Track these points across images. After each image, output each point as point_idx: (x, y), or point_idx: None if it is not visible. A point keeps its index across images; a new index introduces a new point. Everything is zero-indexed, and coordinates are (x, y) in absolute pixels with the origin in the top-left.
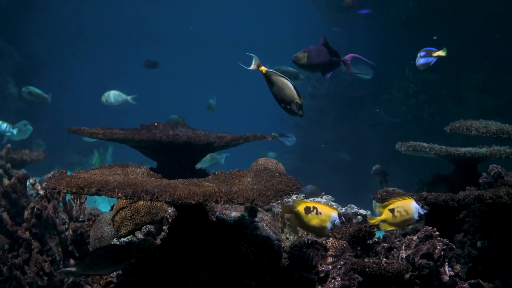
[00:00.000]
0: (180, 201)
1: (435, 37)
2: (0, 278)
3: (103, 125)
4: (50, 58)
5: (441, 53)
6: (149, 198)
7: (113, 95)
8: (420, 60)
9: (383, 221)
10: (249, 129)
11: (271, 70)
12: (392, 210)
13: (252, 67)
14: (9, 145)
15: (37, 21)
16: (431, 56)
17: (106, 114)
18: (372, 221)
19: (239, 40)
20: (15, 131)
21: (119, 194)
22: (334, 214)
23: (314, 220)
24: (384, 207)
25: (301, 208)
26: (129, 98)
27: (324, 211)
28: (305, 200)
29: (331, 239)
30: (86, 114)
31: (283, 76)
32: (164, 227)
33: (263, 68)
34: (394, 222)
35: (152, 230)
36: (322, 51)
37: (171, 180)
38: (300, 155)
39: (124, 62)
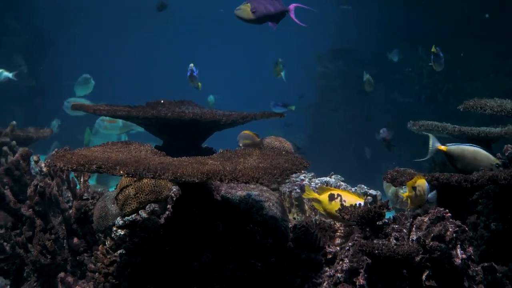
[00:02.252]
0: (183, 179)
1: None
2: (3, 256)
3: (110, 103)
4: (58, 35)
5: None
6: (151, 175)
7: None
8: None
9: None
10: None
11: (454, 145)
12: (414, 188)
13: (432, 149)
14: (14, 122)
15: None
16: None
17: (115, 91)
18: (405, 195)
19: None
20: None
21: (121, 172)
22: (360, 203)
23: (337, 208)
24: (409, 185)
25: (324, 195)
26: (10, 75)
27: (349, 198)
28: (330, 187)
29: None
30: (95, 91)
31: (469, 145)
32: (168, 206)
33: (443, 147)
34: (415, 200)
35: (156, 208)
36: (267, 1)
37: (175, 158)
38: (311, 135)
39: (137, 40)
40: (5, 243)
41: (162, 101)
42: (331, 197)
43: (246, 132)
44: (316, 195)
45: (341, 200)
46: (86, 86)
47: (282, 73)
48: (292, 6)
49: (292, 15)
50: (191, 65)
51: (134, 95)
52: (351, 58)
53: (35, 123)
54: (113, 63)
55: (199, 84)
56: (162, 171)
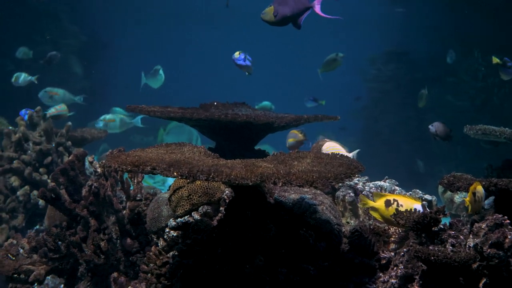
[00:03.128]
0: (236, 182)
1: None
2: (58, 255)
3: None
4: (113, 37)
5: None
6: (205, 178)
7: (23, 77)
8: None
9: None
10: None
11: None
12: (474, 194)
13: None
14: (69, 123)
15: (101, 1)
16: None
17: (165, 93)
18: (467, 201)
19: (313, 21)
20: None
21: (175, 173)
22: (417, 206)
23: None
24: (471, 190)
25: (380, 202)
26: (32, 78)
27: (406, 203)
28: (385, 193)
29: None
30: (149, 92)
31: None
32: (221, 208)
33: None
34: (474, 206)
35: (209, 210)
36: (289, 0)
37: (228, 160)
38: (363, 138)
39: (186, 41)
40: (60, 243)
41: (215, 103)
42: (388, 203)
43: (293, 131)
44: (372, 203)
45: (397, 205)
46: (156, 77)
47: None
48: (316, 1)
49: (318, 10)
50: (237, 53)
51: (185, 96)
52: (404, 61)
53: (87, 125)
54: (165, 65)
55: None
56: (215, 173)
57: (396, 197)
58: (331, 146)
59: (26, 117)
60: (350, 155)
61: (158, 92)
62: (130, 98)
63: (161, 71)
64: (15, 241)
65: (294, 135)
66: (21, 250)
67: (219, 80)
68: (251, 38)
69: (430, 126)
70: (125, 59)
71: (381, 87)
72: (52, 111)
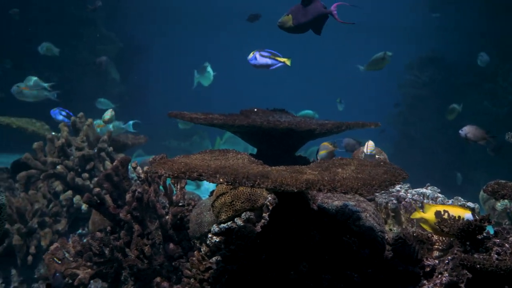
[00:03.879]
0: (282, 189)
1: None
2: (102, 259)
3: (198, 110)
4: (149, 43)
5: None
6: (251, 184)
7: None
8: None
9: None
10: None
11: None
12: None
13: None
14: (111, 129)
15: (136, 7)
16: None
17: (202, 98)
18: None
19: (347, 28)
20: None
21: (221, 180)
22: (468, 215)
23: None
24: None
25: (430, 213)
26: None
27: (456, 213)
28: (435, 204)
29: None
30: (183, 97)
31: None
32: (264, 214)
33: None
34: None
35: (251, 217)
36: (306, 8)
37: (273, 167)
38: (398, 143)
39: (222, 46)
40: (104, 247)
41: (255, 110)
42: (439, 215)
43: (324, 143)
44: (423, 215)
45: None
46: (205, 75)
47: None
48: (333, 7)
49: (336, 16)
50: (251, 54)
51: (220, 102)
52: (440, 67)
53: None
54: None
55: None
56: (261, 180)
57: (447, 208)
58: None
59: (59, 116)
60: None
61: (191, 97)
62: (165, 102)
63: (208, 68)
64: (60, 245)
65: (325, 147)
66: (67, 254)
67: (251, 85)
68: (285, 44)
69: (460, 131)
70: (160, 64)
71: (417, 93)
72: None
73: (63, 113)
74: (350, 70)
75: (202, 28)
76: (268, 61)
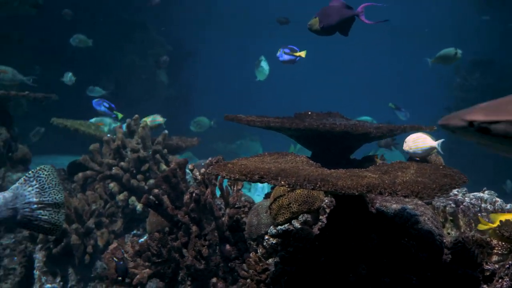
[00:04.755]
0: (342, 192)
1: None
2: (160, 259)
3: (241, 112)
4: (197, 47)
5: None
6: (312, 187)
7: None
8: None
9: None
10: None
11: None
12: None
13: None
14: (166, 131)
15: (185, 12)
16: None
17: (245, 100)
18: None
19: (383, 28)
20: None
21: (282, 182)
22: None
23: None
24: None
25: (498, 222)
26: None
27: None
28: (503, 213)
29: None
30: (231, 100)
31: None
32: (320, 217)
33: None
34: None
35: (308, 219)
36: (333, 10)
37: (332, 170)
38: (448, 148)
39: (268, 50)
40: (162, 247)
41: (309, 113)
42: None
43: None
44: (490, 225)
45: None
46: (259, 69)
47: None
48: (360, 8)
49: (362, 18)
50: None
51: (266, 104)
52: (489, 71)
53: (172, 132)
54: (243, 73)
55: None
56: (322, 183)
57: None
58: (417, 137)
59: (102, 107)
60: (435, 144)
61: (239, 100)
62: (214, 104)
63: (262, 63)
64: (119, 245)
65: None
66: (125, 254)
67: (295, 87)
68: (329, 47)
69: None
70: (207, 67)
71: (466, 96)
72: (159, 120)
73: (105, 103)
74: (400, 72)
75: (248, 33)
76: (291, 57)
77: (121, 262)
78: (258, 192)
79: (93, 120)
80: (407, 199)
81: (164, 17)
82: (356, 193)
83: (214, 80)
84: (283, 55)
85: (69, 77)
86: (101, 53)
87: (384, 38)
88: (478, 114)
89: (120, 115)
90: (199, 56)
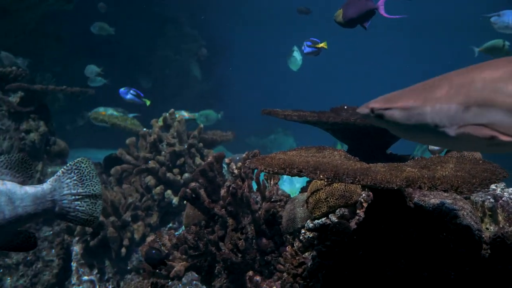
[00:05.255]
0: (381, 186)
1: None
2: (196, 252)
3: (273, 106)
4: (230, 42)
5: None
6: (351, 181)
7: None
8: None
9: None
10: None
11: None
12: None
13: None
14: (202, 125)
15: (219, 6)
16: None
17: (278, 95)
18: None
19: (416, 21)
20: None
21: (321, 176)
22: None
23: None
24: None
25: None
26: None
27: None
28: None
29: None
30: (263, 94)
31: None
32: (358, 211)
33: None
34: None
35: (346, 213)
36: (355, 2)
37: (371, 164)
38: None
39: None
40: (199, 241)
41: (345, 107)
42: None
43: None
44: None
45: None
46: (291, 59)
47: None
48: (380, 2)
49: (382, 11)
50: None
51: (297, 98)
52: None
53: (206, 126)
54: (279, 67)
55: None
56: (361, 177)
57: None
58: None
59: (129, 95)
60: None
61: (272, 94)
62: (246, 99)
63: (295, 53)
64: (157, 238)
65: None
66: (162, 247)
67: (326, 81)
68: (367, 43)
69: None
70: (241, 62)
71: None
72: (184, 115)
73: (132, 91)
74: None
75: (281, 28)
76: (313, 49)
77: (154, 251)
78: (284, 182)
79: (100, 109)
80: (445, 194)
81: (198, 12)
82: (395, 187)
83: (247, 75)
84: (306, 48)
85: (90, 70)
86: (135, 48)
87: (417, 31)
88: (377, 102)
89: (148, 102)
90: (232, 50)
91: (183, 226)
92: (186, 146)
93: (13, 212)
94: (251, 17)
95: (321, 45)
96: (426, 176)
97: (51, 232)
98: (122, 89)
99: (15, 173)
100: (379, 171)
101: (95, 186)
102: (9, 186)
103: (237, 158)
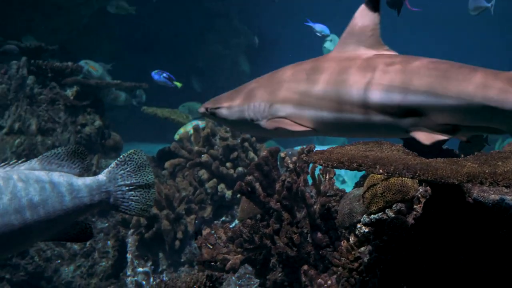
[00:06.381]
0: (442, 181)
1: None
2: (252, 246)
3: None
4: (280, 37)
5: None
6: (411, 176)
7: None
8: None
9: None
10: None
11: None
12: None
13: None
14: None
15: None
16: None
17: None
18: None
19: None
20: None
21: (380, 170)
22: None
23: None
24: None
25: None
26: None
27: None
28: None
29: None
30: None
31: None
32: (415, 206)
33: None
34: None
35: (402, 208)
36: None
37: (430, 159)
38: None
39: None
40: (254, 234)
41: None
42: None
43: None
44: None
45: None
46: (323, 49)
47: None
48: None
49: (406, 1)
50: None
51: None
52: None
53: None
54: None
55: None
56: (421, 172)
57: None
58: None
59: (161, 77)
60: None
61: None
62: None
63: (326, 43)
64: (213, 231)
65: None
66: (218, 240)
67: None
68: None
69: None
70: (291, 55)
71: None
72: None
73: (165, 74)
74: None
75: (330, 21)
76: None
77: (197, 222)
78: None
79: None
80: (505, 190)
81: (247, 6)
82: (456, 182)
83: None
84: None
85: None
86: (184, 42)
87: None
88: (210, 103)
89: (179, 85)
90: (282, 44)
91: (236, 220)
92: (239, 140)
93: (70, 203)
94: (301, 10)
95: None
96: (487, 171)
97: (107, 224)
98: (154, 72)
99: (72, 164)
100: (439, 166)
101: (147, 176)
102: (66, 177)
103: (289, 152)
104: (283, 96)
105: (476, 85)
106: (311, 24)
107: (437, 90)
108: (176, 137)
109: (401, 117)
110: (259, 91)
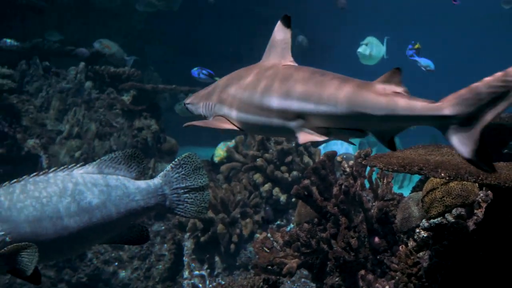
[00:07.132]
0: (506, 184)
1: None
2: (308, 250)
3: None
4: (333, 42)
5: None
6: (473, 179)
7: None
8: None
9: None
10: None
11: None
12: None
13: None
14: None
15: (322, 6)
16: None
17: None
18: None
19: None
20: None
21: (442, 174)
22: None
23: None
24: None
25: None
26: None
27: None
28: None
29: None
30: None
31: None
32: (475, 211)
33: None
34: None
35: (462, 213)
36: None
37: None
38: None
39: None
40: (311, 238)
41: None
42: None
43: None
44: None
45: None
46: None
47: None
48: None
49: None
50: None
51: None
52: None
53: None
54: (382, 68)
55: None
56: (484, 175)
57: None
58: None
59: (201, 75)
60: None
61: None
62: None
63: (360, 49)
64: (269, 235)
65: None
66: (275, 244)
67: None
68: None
69: None
70: (343, 61)
71: None
72: None
73: (204, 71)
74: None
75: (382, 27)
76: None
77: (268, 208)
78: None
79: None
80: None
81: (298, 11)
82: None
83: (348, 75)
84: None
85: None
86: (234, 47)
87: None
88: (187, 99)
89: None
90: (333, 50)
91: (291, 224)
92: (294, 144)
93: (127, 206)
94: (354, 16)
95: (416, 46)
96: None
97: (163, 227)
98: (194, 69)
99: (128, 168)
100: (502, 170)
101: (202, 179)
102: (123, 181)
103: (344, 156)
104: (222, 97)
105: (345, 93)
106: (416, 58)
107: (312, 98)
108: (216, 159)
109: (291, 120)
110: (214, 92)
